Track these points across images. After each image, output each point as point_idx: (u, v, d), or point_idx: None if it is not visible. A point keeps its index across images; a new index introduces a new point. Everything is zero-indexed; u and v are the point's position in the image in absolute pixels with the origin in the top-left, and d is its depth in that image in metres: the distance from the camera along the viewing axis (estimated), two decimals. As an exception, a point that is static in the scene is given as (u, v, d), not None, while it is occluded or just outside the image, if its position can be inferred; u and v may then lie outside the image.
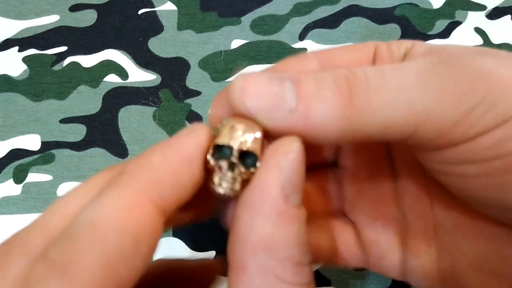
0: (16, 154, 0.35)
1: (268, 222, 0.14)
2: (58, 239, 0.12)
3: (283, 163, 0.14)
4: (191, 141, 0.15)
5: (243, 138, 0.15)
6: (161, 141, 0.15)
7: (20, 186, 0.34)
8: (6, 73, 0.37)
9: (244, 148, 0.15)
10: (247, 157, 0.15)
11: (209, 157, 0.15)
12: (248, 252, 0.14)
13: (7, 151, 0.35)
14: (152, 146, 0.14)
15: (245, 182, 0.15)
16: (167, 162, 0.14)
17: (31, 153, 0.35)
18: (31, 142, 0.35)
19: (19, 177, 0.35)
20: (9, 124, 0.36)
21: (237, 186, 0.15)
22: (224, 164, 0.15)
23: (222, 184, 0.15)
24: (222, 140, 0.15)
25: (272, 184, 0.14)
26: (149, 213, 0.13)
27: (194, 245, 0.32)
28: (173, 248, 0.31)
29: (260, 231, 0.14)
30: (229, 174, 0.15)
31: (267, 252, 0.14)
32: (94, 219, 0.12)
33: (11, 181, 0.34)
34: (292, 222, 0.14)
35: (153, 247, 0.13)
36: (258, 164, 0.15)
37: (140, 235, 0.13)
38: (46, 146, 0.35)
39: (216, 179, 0.15)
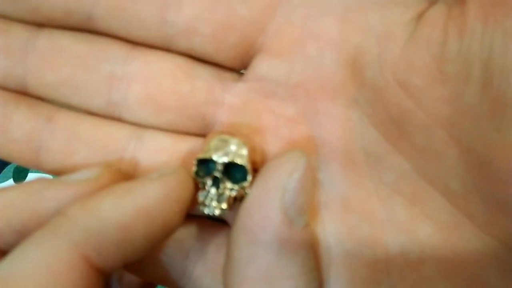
0: (16, 154, 0.36)
1: (270, 253, 0.12)
2: None
3: (288, 184, 0.12)
4: (158, 189, 0.13)
5: (227, 149, 0.14)
6: (126, 182, 0.13)
7: (20, 186, 0.34)
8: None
9: (228, 160, 0.14)
10: (236, 171, 0.14)
11: (193, 175, 0.14)
12: (247, 285, 0.12)
13: (7, 151, 0.36)
14: (111, 187, 0.13)
15: (235, 199, 0.14)
16: (119, 213, 0.12)
17: (31, 153, 0.36)
18: (31, 143, 0.36)
19: (19, 177, 0.36)
20: (9, 125, 0.36)
21: (225, 204, 0.13)
22: (208, 180, 0.14)
23: (206, 202, 0.14)
24: (204, 154, 0.14)
25: (274, 209, 0.12)
26: (80, 275, 0.11)
27: None
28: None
29: (260, 263, 0.12)
30: (213, 191, 0.14)
31: (269, 285, 0.12)
32: (10, 276, 0.11)
33: (11, 181, 0.35)
34: (297, 250, 0.12)
35: None
36: (249, 177, 0.14)
37: None
38: (46, 147, 0.36)
39: (200, 197, 0.14)
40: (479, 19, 0.12)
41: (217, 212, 0.13)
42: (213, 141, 0.14)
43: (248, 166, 0.14)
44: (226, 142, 0.14)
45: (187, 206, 0.13)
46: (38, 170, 0.15)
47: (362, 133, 0.14)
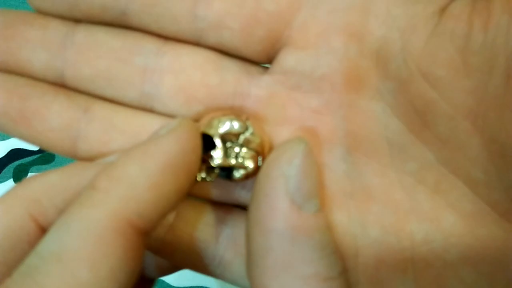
0: (16, 154, 0.36)
1: (283, 240, 0.13)
2: (18, 275, 0.11)
3: (289, 172, 0.13)
4: (173, 143, 0.13)
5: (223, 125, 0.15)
6: (137, 145, 0.13)
7: (20, 186, 0.35)
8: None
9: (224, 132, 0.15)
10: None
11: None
12: (268, 274, 0.13)
13: (7, 151, 0.36)
14: (127, 152, 0.13)
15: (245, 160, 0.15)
16: (147, 174, 0.13)
17: (31, 153, 0.36)
18: (32, 142, 0.36)
19: (19, 177, 0.36)
20: (11, 124, 0.36)
21: (233, 161, 0.14)
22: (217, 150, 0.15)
23: (215, 156, 0.14)
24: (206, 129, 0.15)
25: (279, 197, 0.13)
26: (127, 239, 0.12)
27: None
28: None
29: (277, 252, 0.13)
30: (221, 152, 0.15)
31: (288, 272, 0.12)
32: (60, 251, 0.11)
33: (11, 181, 0.35)
34: (312, 234, 0.13)
35: (134, 273, 0.12)
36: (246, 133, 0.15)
37: (116, 266, 0.11)
38: (48, 146, 0.36)
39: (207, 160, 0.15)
40: (504, 12, 0.12)
41: (224, 163, 0.14)
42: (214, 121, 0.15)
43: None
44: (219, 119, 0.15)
45: (201, 152, 0.14)
46: (75, 158, 0.16)
47: (386, 124, 0.15)
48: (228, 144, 0.15)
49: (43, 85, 0.16)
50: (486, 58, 0.13)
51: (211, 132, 0.15)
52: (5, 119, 0.15)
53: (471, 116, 0.13)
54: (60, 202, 0.14)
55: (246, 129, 0.15)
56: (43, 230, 0.14)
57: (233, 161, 0.15)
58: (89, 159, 0.16)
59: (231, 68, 0.16)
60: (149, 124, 0.16)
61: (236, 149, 0.15)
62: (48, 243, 0.12)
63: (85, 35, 0.16)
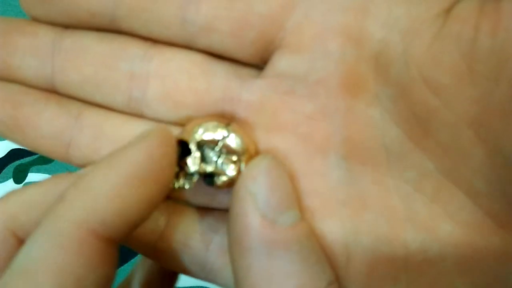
0: (16, 154, 0.37)
1: (261, 257, 0.13)
2: None
3: (254, 189, 0.13)
4: (141, 152, 0.13)
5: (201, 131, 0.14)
6: (107, 155, 0.13)
7: (20, 186, 0.35)
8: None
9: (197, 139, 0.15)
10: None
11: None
12: None
13: (7, 151, 0.36)
14: (98, 161, 0.13)
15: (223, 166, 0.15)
16: (110, 184, 0.12)
17: (31, 153, 0.36)
18: (32, 142, 0.36)
19: (19, 177, 0.36)
20: (10, 125, 0.37)
21: (210, 168, 0.14)
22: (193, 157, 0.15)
23: (189, 163, 0.14)
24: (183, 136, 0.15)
25: (249, 215, 0.13)
26: (91, 248, 0.12)
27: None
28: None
29: (257, 268, 0.13)
30: (196, 158, 0.14)
31: (272, 286, 0.13)
32: (26, 265, 0.11)
33: (11, 181, 0.36)
34: (290, 246, 0.13)
35: (104, 279, 0.12)
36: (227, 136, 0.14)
37: (81, 274, 0.11)
38: (48, 147, 0.36)
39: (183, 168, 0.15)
40: None
41: (200, 170, 0.14)
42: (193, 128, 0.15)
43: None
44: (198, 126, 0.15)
45: (174, 159, 0.14)
46: (70, 164, 0.16)
47: (384, 130, 0.14)
48: (208, 151, 0.15)
49: (35, 93, 0.16)
50: (493, 65, 0.12)
51: (186, 138, 0.14)
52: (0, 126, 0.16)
53: (474, 124, 0.13)
54: (38, 215, 0.14)
55: (227, 135, 0.14)
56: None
57: (210, 168, 0.14)
58: (83, 165, 0.16)
59: (220, 72, 0.16)
60: (138, 130, 0.15)
61: (215, 156, 0.14)
62: (18, 258, 0.12)
63: (72, 41, 0.16)
